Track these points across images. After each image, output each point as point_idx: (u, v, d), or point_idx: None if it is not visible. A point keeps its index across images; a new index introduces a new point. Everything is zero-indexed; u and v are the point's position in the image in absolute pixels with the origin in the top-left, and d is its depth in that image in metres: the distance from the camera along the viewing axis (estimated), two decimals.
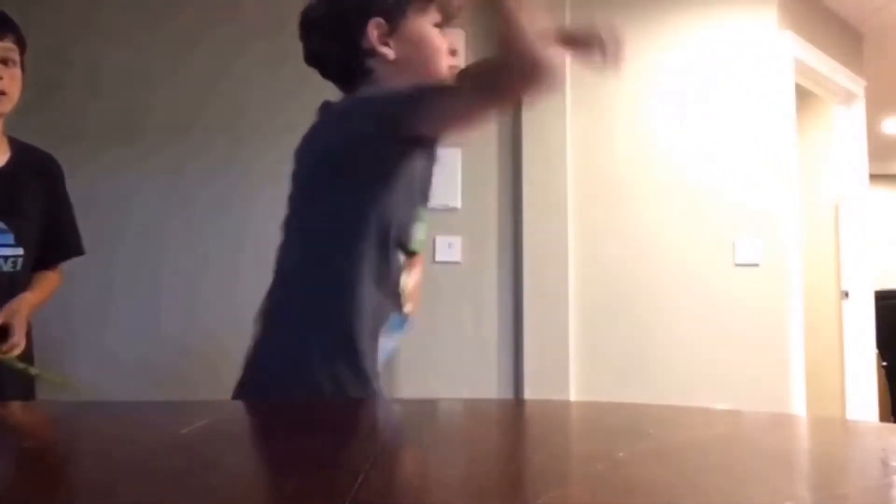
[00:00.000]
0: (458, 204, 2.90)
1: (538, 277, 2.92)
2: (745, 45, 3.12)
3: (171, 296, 2.85)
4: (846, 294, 4.10)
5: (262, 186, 2.78)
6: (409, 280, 1.18)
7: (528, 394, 2.85)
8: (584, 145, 2.99)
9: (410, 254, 1.19)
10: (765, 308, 3.04)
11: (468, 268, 2.93)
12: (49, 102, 2.84)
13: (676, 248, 3.02)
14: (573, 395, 2.89)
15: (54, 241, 1.82)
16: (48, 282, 1.81)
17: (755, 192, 3.07)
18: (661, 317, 2.99)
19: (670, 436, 0.78)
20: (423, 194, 1.21)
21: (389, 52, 1.18)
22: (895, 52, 4.25)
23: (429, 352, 2.76)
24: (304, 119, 1.19)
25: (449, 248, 2.87)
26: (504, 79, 1.03)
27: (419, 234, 1.20)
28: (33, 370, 1.68)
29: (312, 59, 1.22)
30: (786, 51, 3.20)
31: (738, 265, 3.04)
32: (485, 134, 2.93)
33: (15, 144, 1.77)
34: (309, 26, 1.22)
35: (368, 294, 1.10)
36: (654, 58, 3.06)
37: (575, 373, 2.91)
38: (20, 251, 1.71)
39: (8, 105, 1.70)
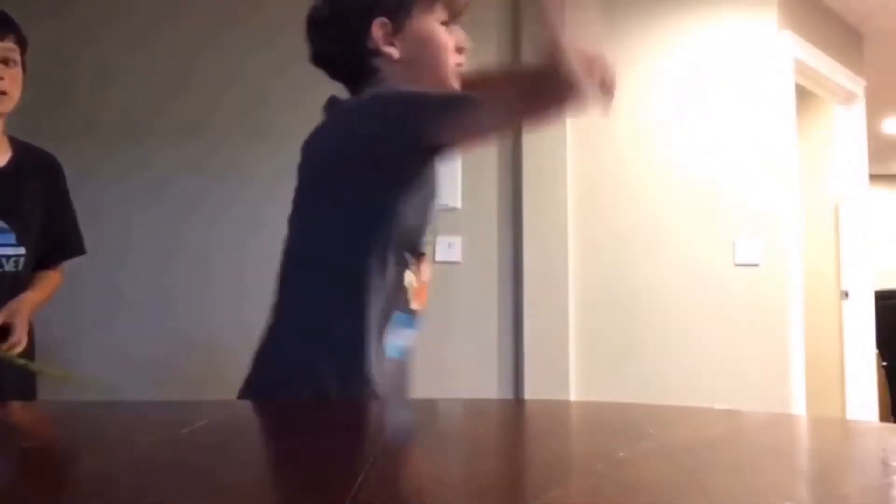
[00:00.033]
0: (458, 204, 2.90)
1: (538, 277, 2.92)
2: (745, 45, 3.12)
3: (180, 294, 2.87)
4: (846, 294, 4.10)
5: (270, 186, 2.79)
6: (416, 278, 1.18)
7: (528, 394, 2.85)
8: (584, 145, 2.99)
9: (418, 254, 1.18)
10: (765, 308, 3.04)
11: (468, 268, 2.93)
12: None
13: (676, 248, 3.02)
14: (573, 395, 2.89)
15: (55, 241, 1.82)
16: (49, 281, 1.81)
17: (755, 192, 3.07)
18: (661, 317, 2.99)
19: (670, 436, 0.78)
20: (434, 196, 1.20)
21: (394, 52, 1.17)
22: (895, 52, 4.25)
23: (428, 352, 2.75)
24: (313, 119, 1.19)
25: (449, 248, 2.87)
26: (537, 99, 1.05)
27: (428, 235, 1.19)
28: (35, 366, 1.68)
29: (319, 59, 1.22)
30: (786, 51, 3.20)
31: (738, 265, 3.04)
32: None
33: (16, 144, 1.77)
34: (314, 27, 1.22)
35: (374, 295, 1.10)
36: (654, 58, 3.06)
37: (575, 373, 2.91)
38: (22, 251, 1.72)
39: (8, 105, 1.71)
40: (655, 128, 3.06)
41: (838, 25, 3.87)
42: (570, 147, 2.96)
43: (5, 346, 1.58)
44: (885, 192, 6.90)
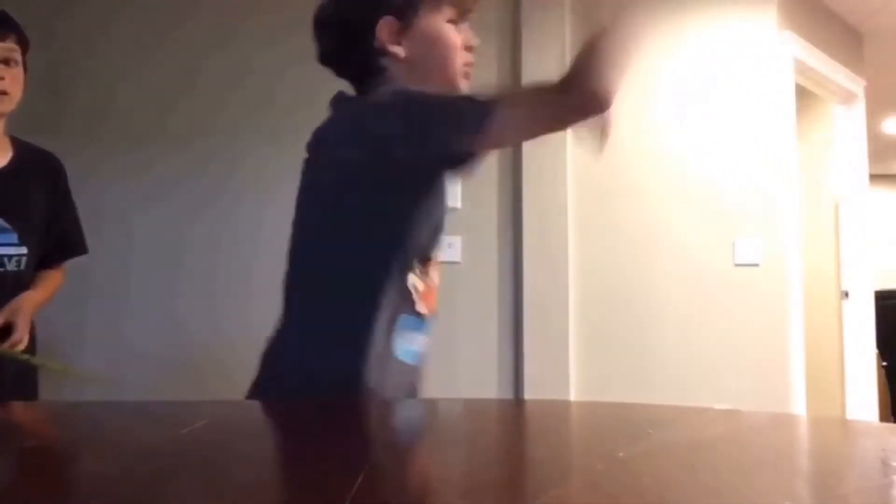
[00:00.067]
0: (458, 204, 2.90)
1: (538, 277, 2.92)
2: (745, 45, 3.12)
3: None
4: (846, 294, 4.10)
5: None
6: (423, 282, 1.17)
7: (528, 394, 2.85)
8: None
9: (426, 258, 1.17)
10: (765, 308, 3.04)
11: (468, 268, 2.93)
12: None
13: (676, 248, 3.02)
14: (573, 395, 2.89)
15: (57, 240, 1.83)
16: (51, 281, 1.81)
17: (755, 192, 3.07)
18: (661, 317, 2.99)
19: (670, 436, 0.78)
20: (444, 201, 1.18)
21: (401, 51, 1.16)
22: (895, 52, 4.25)
23: (429, 351, 2.76)
24: (319, 120, 1.18)
25: (449, 248, 2.88)
26: (565, 108, 1.03)
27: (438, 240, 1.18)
28: (37, 360, 1.69)
29: (325, 58, 1.20)
30: (786, 51, 3.20)
31: (738, 265, 3.04)
32: None
33: (17, 144, 1.78)
34: (320, 26, 1.20)
35: (383, 299, 1.09)
36: (654, 58, 3.06)
37: (575, 373, 2.91)
38: (24, 250, 1.72)
39: (10, 105, 1.71)
40: (656, 128, 3.06)
41: (838, 25, 3.87)
42: (570, 147, 2.96)
43: (7, 344, 1.59)
44: (885, 192, 6.90)
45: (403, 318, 1.13)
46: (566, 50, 2.98)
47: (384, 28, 1.15)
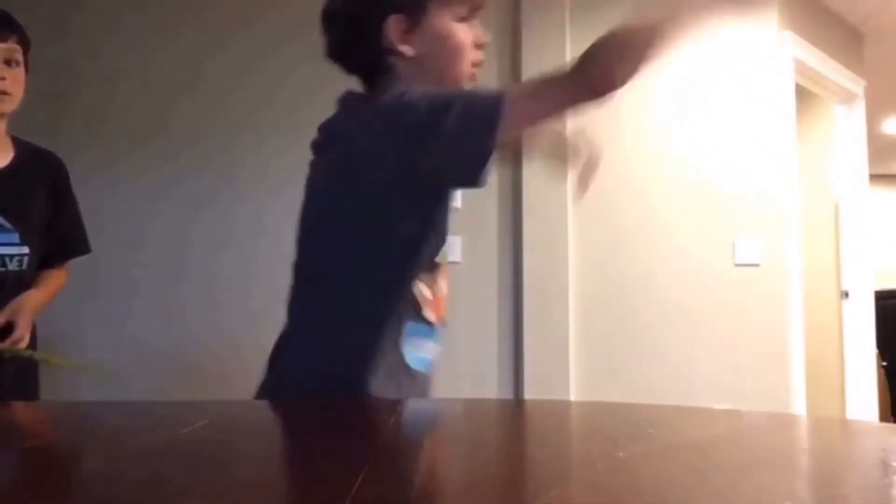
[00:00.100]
0: (458, 204, 2.90)
1: (538, 277, 2.92)
2: (745, 45, 3.12)
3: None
4: (846, 294, 4.10)
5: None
6: (430, 289, 1.16)
7: (528, 394, 2.85)
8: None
9: (433, 264, 1.15)
10: (765, 308, 3.04)
11: (468, 268, 2.93)
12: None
13: (676, 248, 3.02)
14: (573, 395, 2.89)
15: (60, 240, 1.83)
16: (54, 280, 1.81)
17: (755, 192, 3.07)
18: (661, 317, 2.99)
19: (670, 436, 0.78)
20: (451, 204, 1.16)
21: (409, 50, 1.13)
22: (895, 52, 4.25)
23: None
24: (320, 120, 1.18)
25: (449, 248, 2.87)
26: (574, 85, 1.02)
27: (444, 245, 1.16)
28: (39, 355, 1.69)
29: (333, 54, 1.18)
30: (786, 51, 3.20)
31: (738, 265, 3.04)
32: None
33: (18, 144, 1.78)
34: (329, 21, 1.18)
35: (393, 304, 1.09)
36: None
37: (575, 373, 2.91)
38: (25, 250, 1.72)
39: (11, 105, 1.71)
40: (655, 127, 3.06)
41: (838, 25, 3.87)
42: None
43: (7, 342, 1.58)
44: (885, 192, 6.90)
45: (411, 325, 1.12)
46: (566, 50, 2.98)
47: (392, 26, 1.13)
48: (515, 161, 1.47)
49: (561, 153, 1.24)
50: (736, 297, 3.02)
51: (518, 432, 0.88)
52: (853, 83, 3.95)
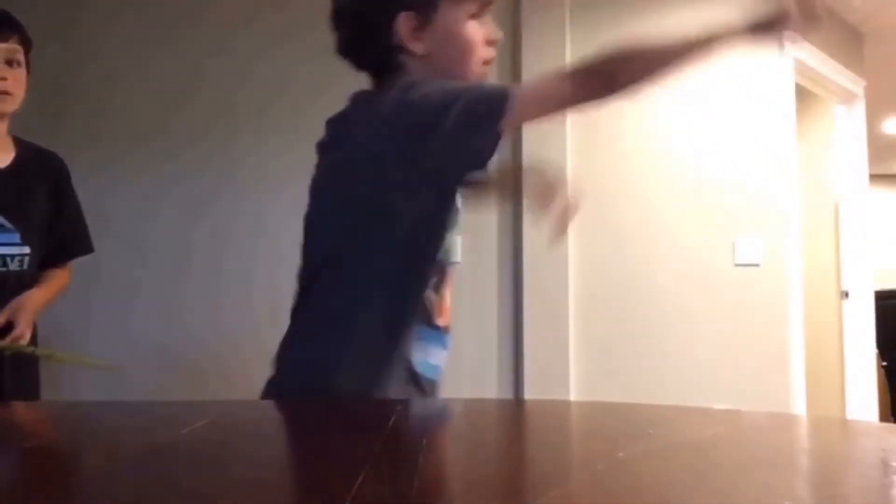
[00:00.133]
0: (458, 204, 2.90)
1: (538, 277, 2.92)
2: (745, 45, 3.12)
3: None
4: (846, 294, 4.10)
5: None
6: (438, 293, 1.14)
7: (528, 394, 2.85)
8: (583, 145, 2.99)
9: (439, 266, 1.14)
10: (765, 308, 3.04)
11: (468, 268, 2.93)
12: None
13: (676, 248, 3.02)
14: (573, 395, 2.89)
15: (61, 240, 1.83)
16: (56, 280, 1.81)
17: (755, 192, 3.07)
18: (661, 317, 2.99)
19: (670, 436, 0.78)
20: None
21: (419, 48, 1.12)
22: (895, 52, 4.25)
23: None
24: (321, 122, 1.17)
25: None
26: (585, 80, 1.02)
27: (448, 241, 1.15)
28: (41, 351, 1.69)
29: (343, 50, 1.17)
30: (786, 51, 3.20)
31: (738, 265, 3.04)
32: None
33: (19, 144, 1.78)
34: (338, 18, 1.17)
35: (404, 305, 1.08)
36: None
37: (575, 373, 2.91)
38: (26, 250, 1.72)
39: (12, 105, 1.71)
40: (655, 127, 3.06)
41: (838, 25, 3.87)
42: (570, 147, 2.96)
43: (7, 339, 1.58)
44: (885, 192, 6.90)
45: (420, 330, 1.11)
46: (566, 50, 2.98)
47: (403, 24, 1.12)
48: (516, 196, 1.48)
49: (545, 195, 1.25)
50: (736, 297, 3.02)
51: (518, 432, 0.88)
52: (853, 83, 3.95)
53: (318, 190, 1.14)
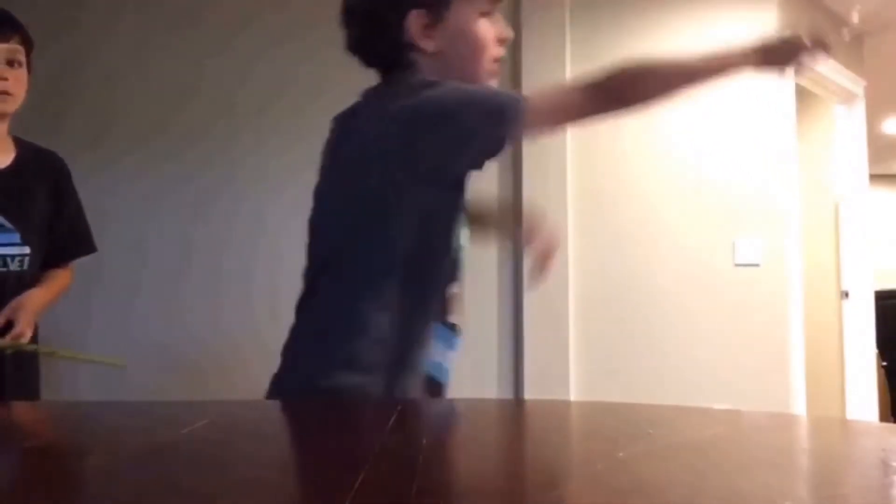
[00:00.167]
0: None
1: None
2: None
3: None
4: (846, 294, 4.10)
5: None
6: (453, 294, 1.15)
7: (528, 394, 2.85)
8: (583, 145, 2.99)
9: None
10: (765, 308, 3.04)
11: (468, 268, 2.93)
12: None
13: (676, 248, 3.02)
14: (573, 395, 2.89)
15: (62, 240, 1.82)
16: (58, 280, 1.81)
17: (755, 192, 3.07)
18: (661, 317, 2.99)
19: (670, 436, 0.78)
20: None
21: (430, 45, 1.12)
22: (895, 52, 4.25)
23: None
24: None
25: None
26: (600, 93, 1.04)
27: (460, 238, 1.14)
28: (43, 349, 1.69)
29: (353, 48, 1.17)
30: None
31: (738, 265, 3.04)
32: None
33: (20, 144, 1.78)
34: (349, 14, 1.17)
35: (410, 300, 1.07)
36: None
37: (575, 373, 2.91)
38: (26, 250, 1.72)
39: (13, 105, 1.71)
40: (655, 127, 3.06)
41: (838, 25, 3.87)
42: (570, 147, 2.96)
43: (7, 337, 1.58)
44: (885, 192, 6.90)
45: (438, 329, 1.11)
46: (566, 50, 2.98)
47: (414, 21, 1.11)
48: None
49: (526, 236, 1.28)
50: (736, 297, 3.02)
51: (518, 432, 0.88)
52: (853, 83, 3.95)
53: (324, 190, 1.13)
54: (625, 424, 0.85)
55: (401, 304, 1.07)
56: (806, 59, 1.12)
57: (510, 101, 1.04)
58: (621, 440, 0.75)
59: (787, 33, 1.13)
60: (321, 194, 1.14)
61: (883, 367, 4.71)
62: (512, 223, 1.37)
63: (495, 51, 1.16)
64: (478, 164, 1.06)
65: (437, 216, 1.08)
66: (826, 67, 3.66)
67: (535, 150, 2.93)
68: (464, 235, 1.16)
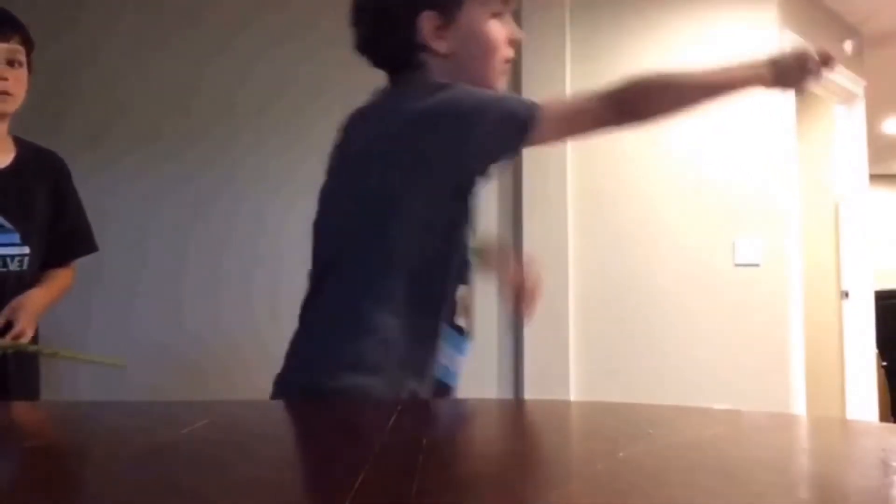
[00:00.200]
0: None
1: None
2: (745, 45, 3.12)
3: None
4: (846, 294, 4.10)
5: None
6: (463, 296, 1.13)
7: (528, 394, 2.85)
8: (583, 145, 2.99)
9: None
10: (765, 308, 3.04)
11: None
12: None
13: (676, 248, 3.02)
14: (573, 395, 2.89)
15: (63, 239, 1.82)
16: (59, 280, 1.80)
17: (755, 192, 3.07)
18: (661, 317, 2.99)
19: (670, 436, 0.78)
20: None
21: (442, 46, 1.11)
22: (895, 52, 4.25)
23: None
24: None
25: None
26: (610, 106, 1.06)
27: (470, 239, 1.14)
28: (44, 349, 1.69)
29: (363, 48, 1.16)
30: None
31: (738, 265, 3.04)
32: None
33: (20, 144, 1.78)
34: (359, 14, 1.16)
35: (419, 301, 1.06)
36: (653, 58, 3.06)
37: (575, 373, 2.91)
38: (26, 250, 1.72)
39: (13, 105, 1.71)
40: (655, 127, 3.06)
41: (838, 25, 3.87)
42: (570, 147, 2.96)
43: (8, 337, 1.58)
44: (885, 192, 6.90)
45: (448, 332, 1.10)
46: (566, 50, 2.98)
47: (426, 22, 1.11)
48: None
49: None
50: (736, 297, 3.02)
51: (518, 432, 0.88)
52: (853, 83, 3.95)
53: (330, 190, 1.13)
54: (625, 424, 0.85)
55: (406, 305, 1.06)
56: (814, 79, 1.13)
57: (524, 109, 1.04)
58: (621, 440, 0.75)
59: (796, 51, 1.12)
60: (327, 195, 1.13)
61: (883, 367, 4.71)
62: (496, 258, 1.37)
63: (506, 52, 1.16)
64: (485, 170, 1.07)
65: (441, 220, 1.08)
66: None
67: (535, 150, 2.92)
68: (473, 238, 1.16)
